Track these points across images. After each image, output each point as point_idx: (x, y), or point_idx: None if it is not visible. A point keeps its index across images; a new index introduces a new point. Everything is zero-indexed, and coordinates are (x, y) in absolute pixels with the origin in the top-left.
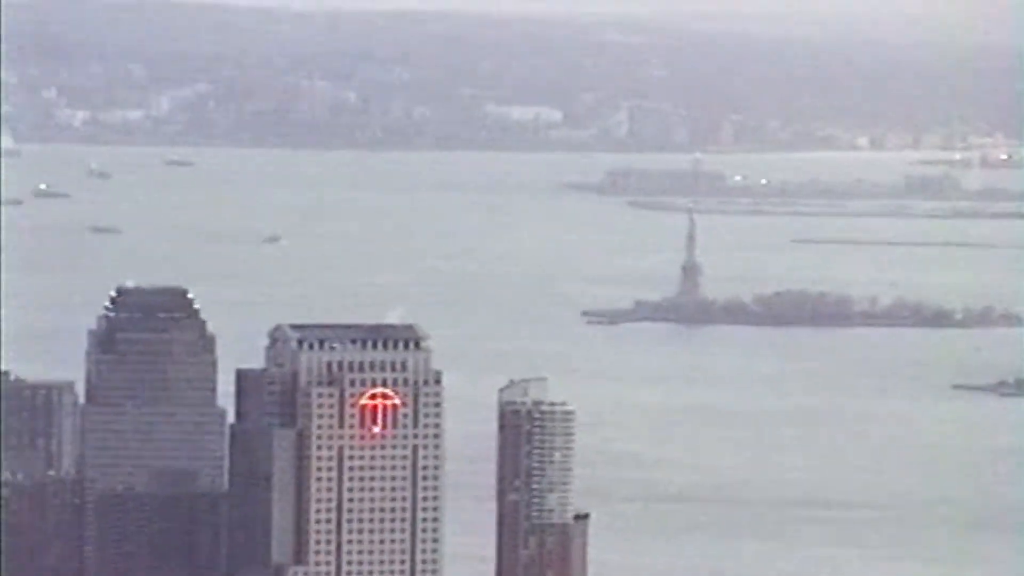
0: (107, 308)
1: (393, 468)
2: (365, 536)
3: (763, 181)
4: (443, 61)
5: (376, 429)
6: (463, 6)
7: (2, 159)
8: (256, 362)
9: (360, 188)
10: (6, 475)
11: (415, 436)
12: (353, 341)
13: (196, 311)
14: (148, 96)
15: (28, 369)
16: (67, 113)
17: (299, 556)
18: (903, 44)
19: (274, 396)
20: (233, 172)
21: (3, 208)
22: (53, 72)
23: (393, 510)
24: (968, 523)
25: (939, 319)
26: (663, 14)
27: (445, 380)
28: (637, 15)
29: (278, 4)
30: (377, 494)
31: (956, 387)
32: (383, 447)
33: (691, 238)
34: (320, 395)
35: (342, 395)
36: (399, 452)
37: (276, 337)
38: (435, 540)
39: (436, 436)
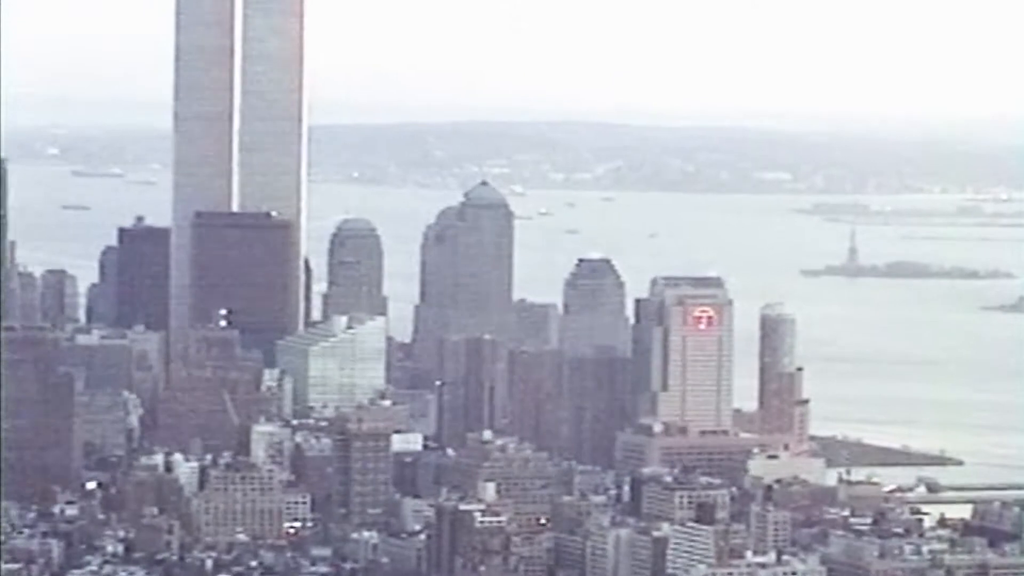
0: (574, 269)
1: (709, 346)
2: (701, 372)
3: (888, 208)
4: (732, 151)
5: (701, 327)
6: (741, 123)
7: (511, 198)
8: (643, 294)
9: (696, 212)
10: (528, 344)
11: (719, 331)
12: (691, 284)
13: (615, 270)
14: (591, 165)
15: (533, 296)
16: (555, 175)
17: (664, 386)
18: (952, 139)
19: (652, 310)
20: (634, 203)
21: (520, 221)
22: (545, 157)
23: (708, 364)
24: (995, 374)
25: (972, 275)
26: (832, 125)
27: (735, 304)
28: (820, 129)
29: (655, 122)
30: (702, 358)
31: (982, 307)
32: (705, 334)
33: (853, 235)
34: (675, 310)
35: (685, 310)
36: (712, 338)
37: (654, 282)
38: (728, 380)
39: (730, 330)
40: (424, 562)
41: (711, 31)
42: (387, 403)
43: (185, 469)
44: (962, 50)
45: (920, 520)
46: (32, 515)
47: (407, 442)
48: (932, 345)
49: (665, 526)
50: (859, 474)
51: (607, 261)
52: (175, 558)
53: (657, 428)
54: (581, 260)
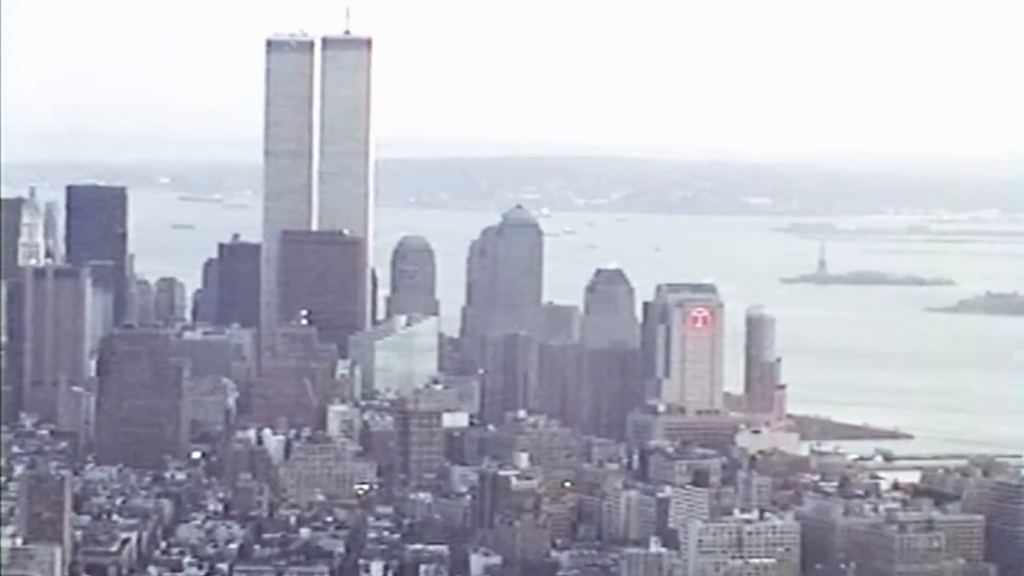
0: (592, 277)
1: (704, 341)
2: (698, 362)
3: (852, 227)
4: (723, 180)
5: (697, 325)
6: (731, 157)
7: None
8: (649, 298)
9: (693, 231)
10: (555, 339)
11: (712, 328)
12: (689, 290)
13: (626, 277)
14: (607, 192)
15: (558, 300)
16: (578, 200)
17: (667, 373)
18: (905, 170)
19: (656, 311)
20: (644, 222)
21: (548, 238)
22: (569, 186)
23: (703, 356)
24: (938, 364)
25: (920, 283)
26: (806, 158)
27: (725, 306)
28: (795, 161)
29: (660, 156)
30: (699, 347)
31: (927, 309)
32: (700, 331)
33: (822, 249)
34: (676, 311)
35: (684, 311)
36: (707, 333)
37: (658, 288)
38: (720, 368)
39: (721, 328)
40: (469, 518)
41: (707, 80)
42: (439, 387)
43: (273, 442)
44: (916, 94)
45: (877, 484)
46: (148, 479)
47: (456, 420)
48: (887, 340)
49: (667, 488)
50: (827, 446)
51: (620, 271)
52: (265, 515)
53: (661, 408)
54: (598, 270)
